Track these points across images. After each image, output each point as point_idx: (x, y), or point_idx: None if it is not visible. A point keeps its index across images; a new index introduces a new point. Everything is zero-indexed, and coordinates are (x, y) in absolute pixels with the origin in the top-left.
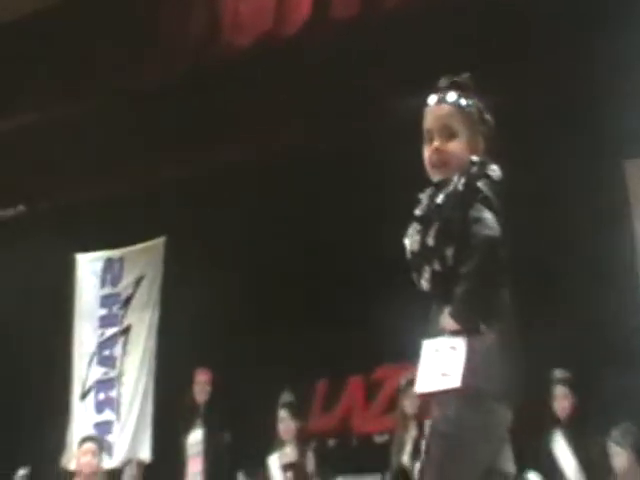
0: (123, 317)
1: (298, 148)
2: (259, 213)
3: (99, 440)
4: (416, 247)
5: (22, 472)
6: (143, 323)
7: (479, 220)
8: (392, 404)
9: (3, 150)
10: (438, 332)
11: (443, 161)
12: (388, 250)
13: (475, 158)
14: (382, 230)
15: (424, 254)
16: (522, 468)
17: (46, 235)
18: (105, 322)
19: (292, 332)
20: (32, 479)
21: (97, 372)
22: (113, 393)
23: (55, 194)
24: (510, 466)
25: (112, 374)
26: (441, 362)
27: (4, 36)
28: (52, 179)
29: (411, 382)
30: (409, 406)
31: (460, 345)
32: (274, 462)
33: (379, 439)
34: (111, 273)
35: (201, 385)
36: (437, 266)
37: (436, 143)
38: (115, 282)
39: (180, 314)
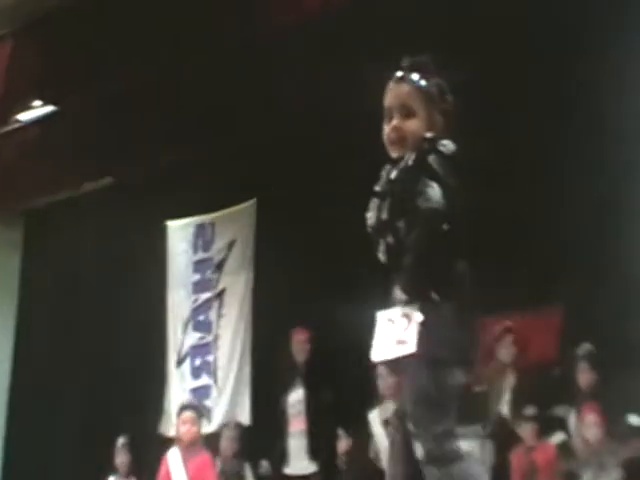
0: (217, 281)
1: None
2: (346, 172)
3: (198, 408)
4: (373, 221)
5: (122, 441)
6: (237, 286)
7: (423, 194)
8: (488, 354)
9: (89, 123)
10: (393, 302)
11: (400, 138)
12: None
13: (428, 135)
14: None
15: (379, 228)
16: None
17: (136, 204)
18: (199, 287)
19: (384, 289)
20: (132, 447)
21: (193, 338)
22: (209, 358)
23: (143, 163)
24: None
25: (208, 339)
26: (395, 331)
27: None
28: (140, 148)
29: (507, 330)
30: (505, 355)
31: (413, 314)
32: (375, 418)
33: (477, 389)
34: (203, 238)
35: (300, 344)
36: (390, 239)
37: (394, 121)
38: (207, 247)
39: (274, 275)
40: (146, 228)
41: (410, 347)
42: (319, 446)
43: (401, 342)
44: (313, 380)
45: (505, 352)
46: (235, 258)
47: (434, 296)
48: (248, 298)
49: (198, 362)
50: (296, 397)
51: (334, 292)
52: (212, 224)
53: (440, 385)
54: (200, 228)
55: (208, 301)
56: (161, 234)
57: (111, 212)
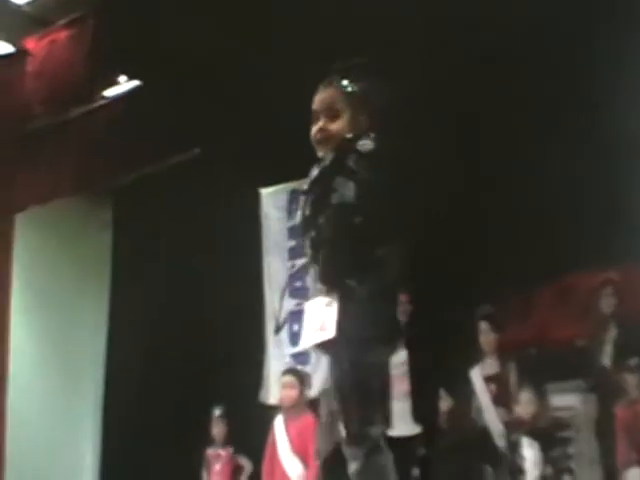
0: None
1: None
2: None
3: (299, 372)
4: (300, 218)
5: (218, 411)
6: None
7: (336, 191)
8: (588, 307)
9: (176, 96)
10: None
11: (325, 139)
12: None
13: (348, 135)
14: None
15: (304, 224)
16: None
17: (228, 173)
18: (294, 253)
19: (483, 247)
20: (230, 416)
21: (290, 304)
22: None
23: (233, 132)
24: None
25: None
26: (319, 319)
27: None
28: (230, 116)
29: (607, 282)
30: (605, 306)
31: (332, 302)
32: (476, 374)
33: (579, 343)
34: (296, 204)
35: (402, 306)
36: (313, 234)
37: (320, 123)
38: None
39: None
40: (238, 196)
41: (330, 332)
42: (423, 407)
43: (323, 328)
44: (415, 341)
45: (606, 304)
46: None
47: (351, 282)
48: None
49: (297, 328)
50: (399, 358)
51: (431, 254)
52: None
53: (361, 364)
54: (293, 194)
55: (304, 267)
56: (254, 202)
57: (201, 183)
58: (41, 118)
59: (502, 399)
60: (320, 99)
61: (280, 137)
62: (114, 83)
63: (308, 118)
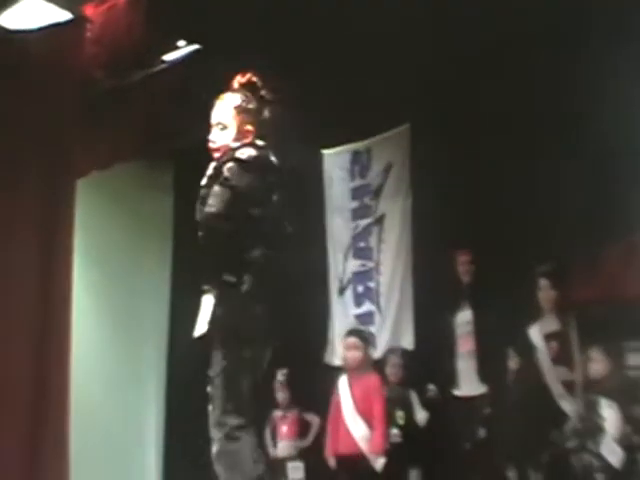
0: (375, 207)
1: None
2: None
3: (363, 332)
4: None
5: (282, 374)
6: (396, 211)
7: (205, 199)
8: None
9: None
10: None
11: (213, 149)
12: None
13: (232, 145)
14: None
15: (197, 227)
16: None
17: (291, 135)
18: (358, 214)
19: (548, 205)
20: (295, 378)
21: (354, 265)
22: (371, 284)
23: (296, 92)
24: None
25: (369, 265)
26: (205, 313)
27: None
28: (290, 78)
29: None
30: None
31: (209, 299)
32: (535, 332)
33: None
34: (359, 165)
35: (464, 266)
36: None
37: (211, 135)
38: (364, 173)
39: (433, 198)
40: (301, 158)
41: (203, 327)
42: (489, 366)
43: (203, 323)
44: (479, 300)
45: None
46: (392, 183)
47: (229, 279)
48: (408, 222)
49: (361, 289)
50: (464, 318)
51: (495, 212)
52: (368, 150)
53: (232, 360)
54: (356, 155)
55: (368, 227)
56: (317, 163)
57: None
58: (101, 84)
59: (563, 357)
60: (214, 113)
61: (342, 98)
62: (173, 47)
63: (369, 79)
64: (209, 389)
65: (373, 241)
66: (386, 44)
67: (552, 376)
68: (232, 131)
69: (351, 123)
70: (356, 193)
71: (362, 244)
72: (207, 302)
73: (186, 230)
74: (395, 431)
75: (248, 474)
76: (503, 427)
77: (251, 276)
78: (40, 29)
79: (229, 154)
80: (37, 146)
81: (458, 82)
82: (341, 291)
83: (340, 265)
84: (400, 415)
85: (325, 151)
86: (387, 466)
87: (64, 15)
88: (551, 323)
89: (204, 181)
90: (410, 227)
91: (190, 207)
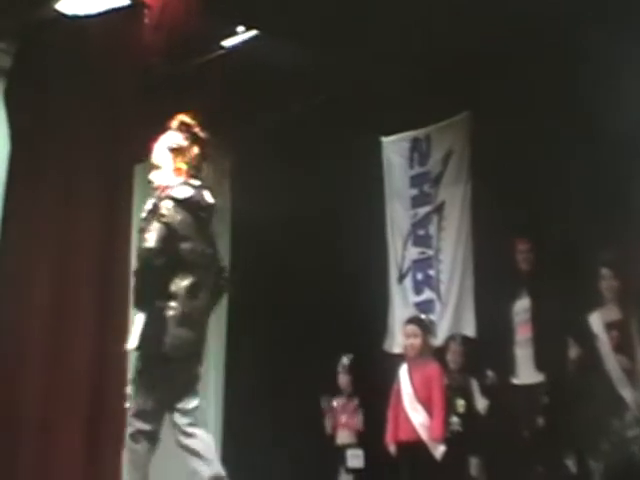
0: (435, 195)
1: None
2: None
3: (422, 320)
4: None
5: (345, 361)
6: (456, 198)
7: (144, 232)
8: None
9: (293, 44)
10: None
11: (153, 188)
12: None
13: (165, 183)
14: None
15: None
16: None
17: (351, 121)
18: (417, 202)
19: (608, 192)
20: (356, 366)
21: (413, 252)
22: (431, 272)
23: (355, 79)
24: (191, 402)
25: (429, 253)
26: (137, 330)
27: None
28: (350, 64)
29: None
30: None
31: (140, 318)
32: (596, 320)
33: None
34: (419, 152)
35: (523, 254)
36: None
37: (150, 175)
38: (423, 161)
39: (492, 186)
40: (360, 145)
41: (132, 343)
42: (547, 354)
43: (135, 338)
44: (538, 288)
45: None
46: (452, 171)
47: (159, 304)
48: (467, 210)
49: (420, 277)
50: (522, 306)
51: (555, 200)
52: (427, 138)
53: (148, 371)
54: (416, 142)
55: (427, 215)
56: (376, 150)
57: (320, 132)
58: (159, 70)
59: (623, 347)
60: (152, 154)
61: (402, 85)
62: (233, 33)
63: (429, 66)
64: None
65: (433, 229)
66: (446, 30)
67: (613, 365)
68: (167, 170)
69: (411, 110)
70: (415, 181)
71: (422, 232)
72: (139, 320)
73: (243, 215)
74: (455, 419)
75: (141, 476)
76: (562, 416)
77: (177, 303)
78: (98, 15)
79: (166, 192)
80: (96, 131)
81: (518, 68)
82: (401, 279)
83: (399, 253)
84: (460, 403)
85: (384, 138)
86: (447, 454)
87: (122, 1)
88: (612, 312)
89: (143, 214)
90: (470, 215)
91: (247, 192)
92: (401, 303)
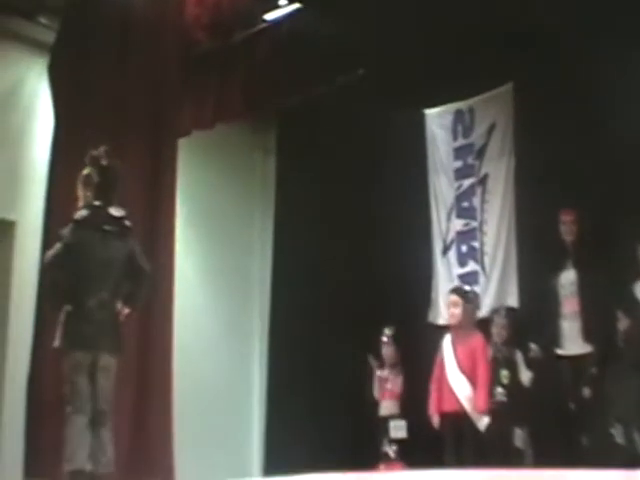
0: (479, 167)
1: None
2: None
3: (464, 291)
4: None
5: (388, 332)
6: (500, 171)
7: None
8: None
9: (335, 18)
10: None
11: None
12: None
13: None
14: None
15: None
16: None
17: (392, 94)
18: (461, 174)
19: None
20: (400, 337)
21: (457, 224)
22: (475, 244)
23: (398, 52)
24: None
25: (473, 225)
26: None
27: None
28: (394, 37)
29: None
30: None
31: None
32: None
33: None
34: (462, 125)
35: (567, 225)
36: None
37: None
38: (467, 133)
39: (536, 158)
40: (403, 117)
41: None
42: (594, 327)
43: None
44: (584, 260)
45: None
46: (495, 143)
47: (67, 308)
48: (511, 182)
49: (464, 249)
50: (567, 278)
51: (600, 172)
52: (471, 110)
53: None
54: (459, 114)
55: (471, 187)
56: (419, 122)
57: (364, 104)
58: (204, 44)
59: None
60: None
61: (445, 58)
62: (275, 6)
63: (472, 38)
64: None
65: (477, 201)
66: (491, 0)
67: None
68: (80, 199)
69: (454, 82)
70: (459, 153)
71: (466, 204)
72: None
73: (288, 190)
74: (500, 390)
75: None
76: (609, 387)
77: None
78: None
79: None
80: (140, 106)
81: (564, 40)
82: (445, 251)
83: (443, 225)
84: (505, 374)
85: (427, 111)
86: (491, 425)
87: None
88: None
89: None
90: (513, 187)
91: (292, 167)
92: (445, 275)
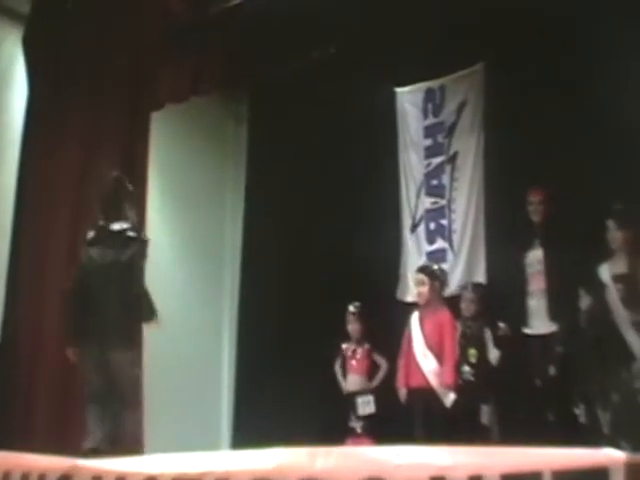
0: (449, 145)
1: None
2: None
3: (430, 269)
4: None
5: (353, 308)
6: (469, 149)
7: None
8: None
9: None
10: None
11: None
12: None
13: None
14: None
15: None
16: None
17: (365, 72)
18: (431, 152)
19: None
20: (367, 313)
21: (426, 202)
22: (444, 222)
23: (367, 31)
24: None
25: (442, 203)
26: None
27: None
28: (365, 14)
29: None
30: None
31: None
32: (604, 272)
33: None
34: (432, 103)
35: (535, 205)
36: None
37: None
38: (437, 112)
39: (506, 137)
40: (374, 95)
41: None
42: (559, 305)
43: None
44: (551, 240)
45: None
46: (465, 121)
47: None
48: (480, 161)
49: (433, 226)
50: (534, 257)
51: (570, 152)
52: (442, 88)
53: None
54: (430, 93)
55: (441, 165)
56: (390, 100)
57: (336, 81)
58: (181, 17)
59: (631, 299)
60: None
61: (416, 36)
62: None
63: (443, 17)
64: None
65: (446, 179)
66: None
67: (621, 317)
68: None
69: (425, 61)
70: (429, 131)
71: (435, 182)
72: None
73: (260, 160)
74: (467, 369)
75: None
76: (574, 366)
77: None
78: None
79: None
80: (116, 76)
81: (533, 19)
82: (413, 228)
83: (413, 202)
84: (473, 353)
85: (398, 89)
86: (458, 402)
87: None
88: (620, 264)
89: None
90: (482, 165)
91: (263, 137)
92: (414, 252)
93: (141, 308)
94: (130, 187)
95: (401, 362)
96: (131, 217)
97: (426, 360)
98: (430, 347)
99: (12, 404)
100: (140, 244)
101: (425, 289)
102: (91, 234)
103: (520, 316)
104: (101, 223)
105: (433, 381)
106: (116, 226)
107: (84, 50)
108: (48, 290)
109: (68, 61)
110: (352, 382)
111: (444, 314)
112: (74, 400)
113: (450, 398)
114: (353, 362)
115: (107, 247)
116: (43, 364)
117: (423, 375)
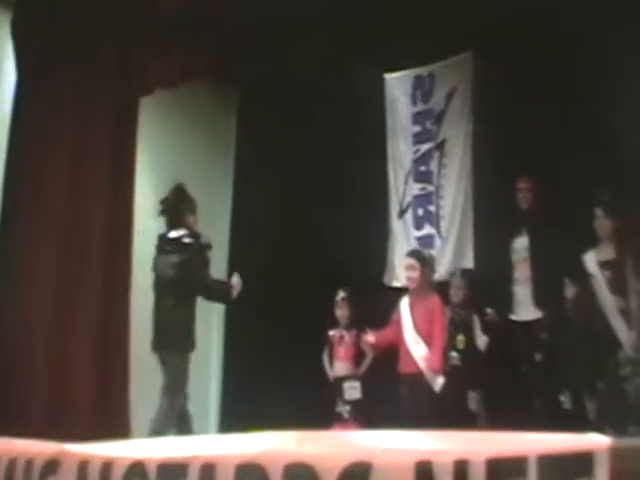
0: (437, 132)
1: None
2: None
3: (421, 253)
4: None
5: (342, 294)
6: (458, 136)
7: None
8: None
9: None
10: None
11: None
12: None
13: None
14: None
15: None
16: None
17: (354, 58)
18: (419, 138)
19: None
20: (355, 300)
21: (414, 188)
22: (432, 208)
23: (360, 18)
24: None
25: (430, 189)
26: None
27: None
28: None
29: None
30: None
31: None
32: (590, 259)
33: None
34: (421, 90)
35: (523, 193)
36: None
37: None
38: (426, 98)
39: (495, 125)
40: (363, 81)
41: None
42: (544, 292)
43: None
44: (537, 227)
45: None
46: (454, 108)
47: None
48: (469, 148)
49: (421, 212)
50: (521, 244)
51: (556, 140)
52: (431, 75)
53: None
54: (419, 80)
55: (429, 152)
56: (379, 87)
57: (325, 67)
58: (173, 5)
59: (618, 286)
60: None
61: (406, 23)
62: None
63: (433, 4)
64: None
65: (434, 165)
66: None
67: (607, 304)
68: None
69: (415, 48)
70: (418, 117)
71: (423, 168)
72: None
73: (248, 149)
74: (455, 355)
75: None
76: (560, 353)
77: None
78: None
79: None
80: (106, 60)
81: (522, 7)
82: (401, 214)
83: (401, 188)
84: (461, 340)
85: (387, 75)
86: (446, 387)
87: None
88: (607, 251)
89: None
90: (471, 152)
91: (252, 125)
92: (402, 238)
93: (218, 299)
94: (191, 195)
95: (382, 338)
96: (190, 224)
97: (416, 346)
98: (420, 332)
99: (8, 391)
100: (197, 249)
101: (416, 274)
102: (156, 243)
103: (507, 302)
104: (161, 232)
105: (422, 365)
106: (173, 234)
107: (73, 35)
108: (40, 278)
109: (57, 46)
110: (339, 368)
111: (434, 299)
112: (70, 386)
113: (439, 382)
114: (341, 348)
115: (166, 254)
116: (37, 352)
117: (413, 361)
